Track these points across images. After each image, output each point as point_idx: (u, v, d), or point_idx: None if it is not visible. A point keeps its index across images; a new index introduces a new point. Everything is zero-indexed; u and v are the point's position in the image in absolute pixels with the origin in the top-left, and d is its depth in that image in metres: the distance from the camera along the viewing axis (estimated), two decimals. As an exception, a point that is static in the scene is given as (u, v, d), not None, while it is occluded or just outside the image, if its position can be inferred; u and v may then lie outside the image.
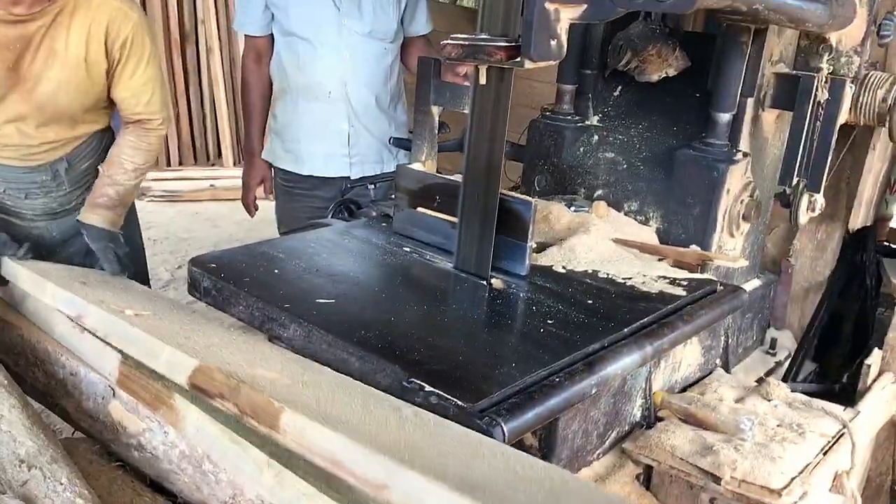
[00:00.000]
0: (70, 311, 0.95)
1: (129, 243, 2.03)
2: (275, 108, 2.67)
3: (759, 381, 1.87)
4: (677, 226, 1.86)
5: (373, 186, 2.49)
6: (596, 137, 2.05)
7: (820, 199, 1.87)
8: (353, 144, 2.58)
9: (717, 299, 1.61)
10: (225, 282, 1.51)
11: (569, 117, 2.07)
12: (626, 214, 1.94)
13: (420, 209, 1.79)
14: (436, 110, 1.97)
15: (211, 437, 1.16)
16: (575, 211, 1.89)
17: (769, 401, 1.71)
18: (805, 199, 1.86)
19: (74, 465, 1.15)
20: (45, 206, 2.05)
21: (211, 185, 5.73)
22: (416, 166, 1.95)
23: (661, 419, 1.61)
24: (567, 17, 1.30)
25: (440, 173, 1.89)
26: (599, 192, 2.01)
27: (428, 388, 1.15)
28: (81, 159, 2.04)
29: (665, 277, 1.66)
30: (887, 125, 1.89)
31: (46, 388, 1.51)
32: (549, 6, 1.27)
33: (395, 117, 2.69)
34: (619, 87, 2.06)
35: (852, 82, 1.84)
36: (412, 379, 1.17)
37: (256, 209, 2.82)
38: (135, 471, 1.33)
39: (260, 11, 2.52)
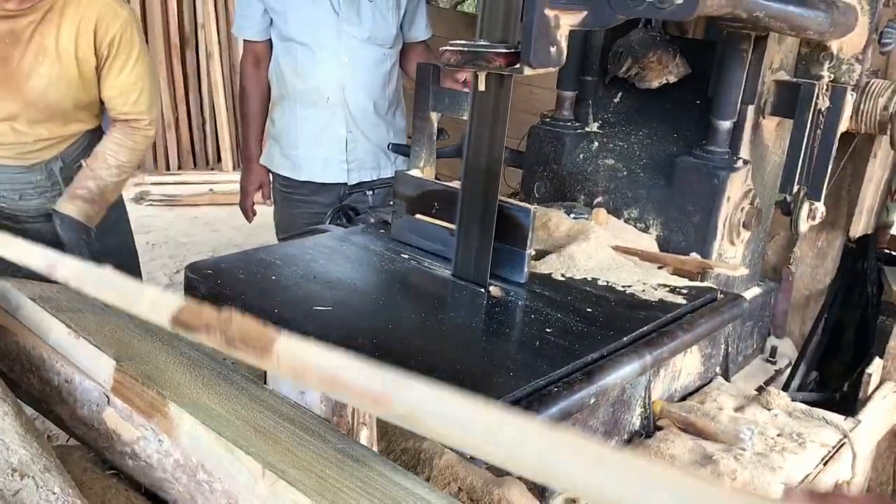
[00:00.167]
0: (41, 263, 0.92)
1: (122, 249, 2.03)
2: (273, 114, 2.66)
3: (759, 389, 1.86)
4: (677, 233, 1.85)
5: (371, 193, 2.49)
6: (596, 144, 2.05)
7: (821, 207, 1.86)
8: (351, 150, 2.57)
9: (718, 307, 1.60)
10: (221, 288, 1.50)
11: (569, 124, 2.07)
12: (626, 222, 1.93)
13: (418, 216, 1.78)
14: (435, 116, 1.96)
15: (205, 446, 1.15)
16: (574, 218, 1.88)
17: (769, 410, 1.70)
18: (806, 207, 1.85)
19: (68, 473, 1.14)
20: (39, 208, 2.04)
21: (210, 190, 5.74)
22: (415, 172, 1.94)
23: (660, 428, 1.60)
24: (567, 23, 1.30)
25: (439, 180, 1.88)
26: (599, 199, 2.00)
27: (425, 397, 1.14)
28: (75, 158, 2.04)
29: (665, 285, 1.65)
30: (888, 133, 1.88)
31: (41, 395, 1.49)
32: (549, 12, 1.26)
33: (394, 123, 2.68)
34: (620, 94, 2.05)
35: (853, 90, 1.83)
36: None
37: (254, 214, 2.81)
38: (129, 479, 1.32)
39: (259, 16, 2.51)
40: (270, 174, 2.73)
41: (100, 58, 1.90)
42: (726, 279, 1.87)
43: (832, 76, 1.85)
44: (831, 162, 1.78)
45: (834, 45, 1.82)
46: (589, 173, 2.03)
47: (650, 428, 1.60)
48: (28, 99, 1.86)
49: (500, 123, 1.50)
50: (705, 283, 1.71)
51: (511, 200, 1.66)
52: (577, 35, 1.88)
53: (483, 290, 1.58)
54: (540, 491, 1.45)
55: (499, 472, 1.57)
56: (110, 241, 2.11)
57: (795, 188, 1.80)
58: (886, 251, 2.40)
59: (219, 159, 6.44)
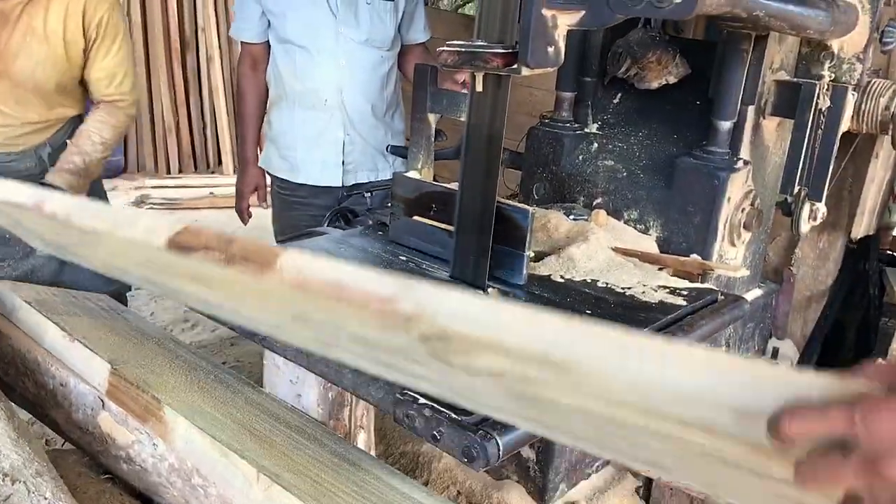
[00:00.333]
0: (28, 201, 0.89)
1: None
2: (270, 116, 2.65)
3: (761, 392, 1.84)
4: (678, 234, 1.84)
5: (369, 195, 2.48)
6: (595, 145, 2.04)
7: (822, 208, 1.85)
8: (349, 153, 2.57)
9: (718, 309, 1.59)
10: (218, 291, 1.49)
11: (568, 125, 2.06)
12: (625, 223, 1.92)
13: (416, 218, 1.77)
14: (432, 118, 1.95)
15: (200, 450, 1.15)
16: (574, 219, 1.87)
17: (771, 412, 1.68)
18: (807, 207, 1.84)
19: (60, 478, 1.13)
20: None
21: (211, 193, 5.73)
22: (413, 174, 1.93)
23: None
24: (565, 23, 1.29)
25: (437, 181, 1.87)
26: (599, 200, 1.99)
27: (421, 399, 1.13)
28: (63, 145, 2.09)
29: (665, 287, 1.64)
30: (890, 133, 1.87)
31: (36, 399, 1.49)
32: (547, 12, 1.25)
33: (392, 125, 2.67)
34: (619, 95, 2.04)
35: (854, 90, 1.82)
36: (406, 391, 1.15)
37: (250, 217, 2.80)
38: (124, 484, 1.31)
39: (256, 18, 2.51)
40: (267, 177, 2.72)
41: (88, 40, 1.97)
42: (727, 280, 1.86)
43: (833, 76, 1.84)
44: (832, 162, 1.77)
45: (835, 45, 1.81)
46: (588, 174, 2.02)
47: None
48: (16, 79, 1.92)
49: (499, 125, 1.49)
50: (706, 285, 1.70)
51: (509, 202, 1.65)
52: (575, 35, 1.87)
53: (481, 292, 1.56)
54: (540, 494, 1.44)
55: (498, 476, 1.56)
56: None
57: (796, 189, 1.79)
58: (888, 252, 2.39)
59: (219, 163, 6.44)
